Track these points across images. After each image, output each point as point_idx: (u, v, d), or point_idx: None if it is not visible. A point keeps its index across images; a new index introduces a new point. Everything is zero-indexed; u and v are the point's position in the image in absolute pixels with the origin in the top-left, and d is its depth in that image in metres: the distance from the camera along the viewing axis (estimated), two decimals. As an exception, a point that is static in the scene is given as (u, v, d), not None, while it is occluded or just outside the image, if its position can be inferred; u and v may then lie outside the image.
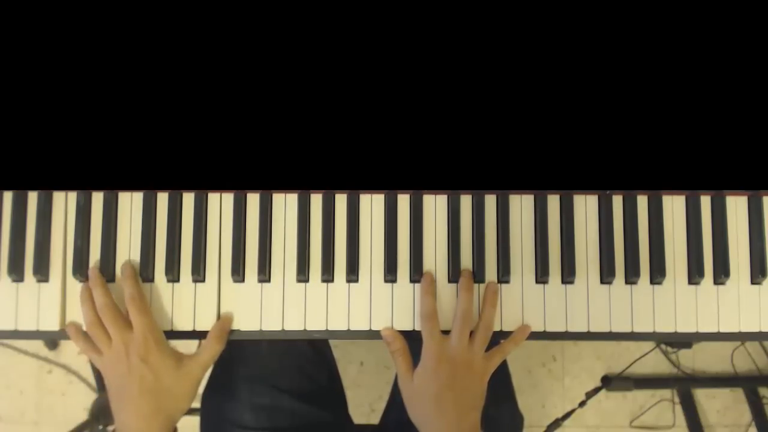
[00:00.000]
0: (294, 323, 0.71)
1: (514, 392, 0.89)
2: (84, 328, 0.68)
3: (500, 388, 0.87)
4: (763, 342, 1.43)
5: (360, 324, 0.71)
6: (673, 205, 0.73)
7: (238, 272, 0.71)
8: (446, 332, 0.69)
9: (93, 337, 0.67)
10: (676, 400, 1.44)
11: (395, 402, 0.88)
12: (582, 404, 1.26)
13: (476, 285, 0.71)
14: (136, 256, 0.71)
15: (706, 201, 0.73)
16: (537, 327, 0.71)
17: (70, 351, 1.43)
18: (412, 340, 0.70)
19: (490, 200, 0.72)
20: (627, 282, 0.72)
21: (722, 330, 0.72)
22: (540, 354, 1.46)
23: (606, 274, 0.71)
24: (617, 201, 0.73)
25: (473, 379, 0.67)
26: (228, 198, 0.72)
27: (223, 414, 0.80)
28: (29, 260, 0.71)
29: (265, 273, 0.71)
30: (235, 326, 0.71)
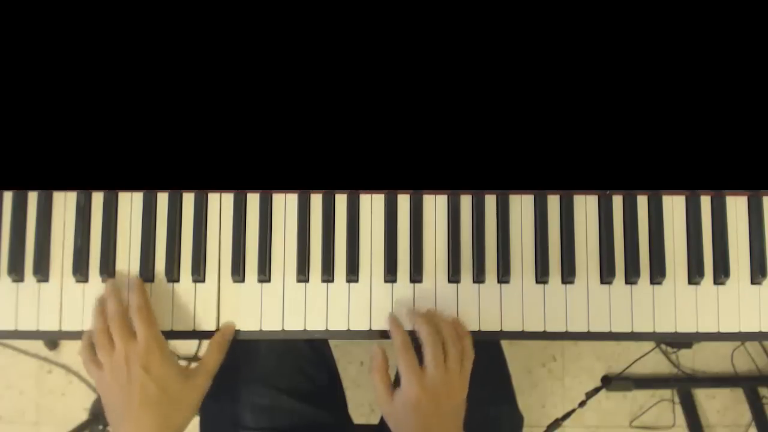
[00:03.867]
0: (294, 323, 0.71)
1: (514, 392, 0.89)
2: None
3: (500, 388, 0.87)
4: (763, 342, 1.43)
5: (360, 324, 0.71)
6: (673, 205, 0.73)
7: (238, 272, 0.71)
8: (446, 332, 0.70)
9: (97, 345, 0.66)
10: (676, 400, 1.44)
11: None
12: (582, 404, 1.26)
13: (478, 285, 0.71)
14: (136, 256, 0.71)
15: (706, 201, 0.73)
16: (537, 327, 0.71)
17: (70, 351, 1.43)
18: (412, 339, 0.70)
19: (490, 200, 0.72)
20: (627, 282, 0.72)
21: (722, 330, 0.72)
22: (540, 354, 1.46)
23: (606, 274, 0.71)
24: (617, 201, 0.73)
25: (456, 399, 0.67)
26: (228, 198, 0.72)
27: (223, 414, 0.80)
28: (29, 260, 0.71)
29: (265, 273, 0.71)
30: (236, 326, 0.71)
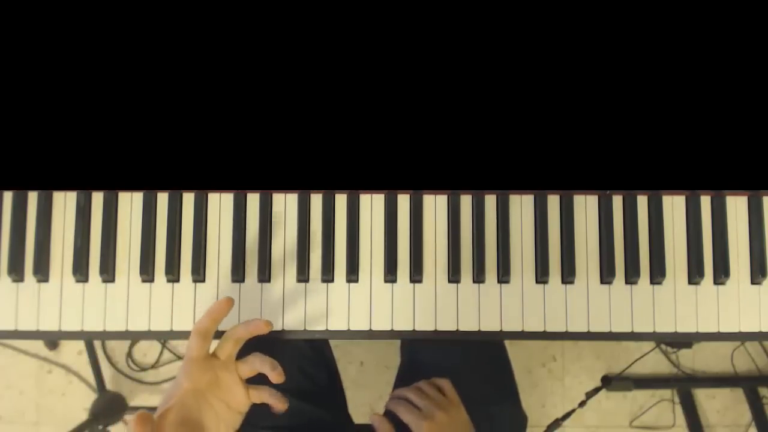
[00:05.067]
0: (294, 323, 0.71)
1: (518, 392, 0.89)
2: None
3: (503, 388, 0.87)
4: (763, 342, 1.43)
5: (360, 324, 0.71)
6: (673, 205, 0.73)
7: (238, 272, 0.71)
8: (446, 332, 0.70)
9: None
10: (676, 400, 1.44)
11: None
12: (582, 404, 1.26)
13: (477, 285, 0.71)
14: (136, 256, 0.71)
15: (706, 201, 0.73)
16: (537, 327, 0.71)
17: (70, 351, 1.43)
18: (412, 340, 0.70)
19: (490, 200, 0.72)
20: (627, 282, 0.72)
21: (722, 330, 0.72)
22: (540, 354, 1.46)
23: (606, 274, 0.71)
24: (617, 201, 0.73)
25: (459, 427, 0.71)
26: (228, 198, 0.72)
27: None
28: (29, 260, 0.71)
29: (264, 273, 0.71)
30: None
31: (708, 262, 0.72)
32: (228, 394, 0.64)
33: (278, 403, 0.67)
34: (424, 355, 0.87)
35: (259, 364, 0.65)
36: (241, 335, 0.65)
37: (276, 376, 0.64)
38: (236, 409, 0.65)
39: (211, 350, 0.65)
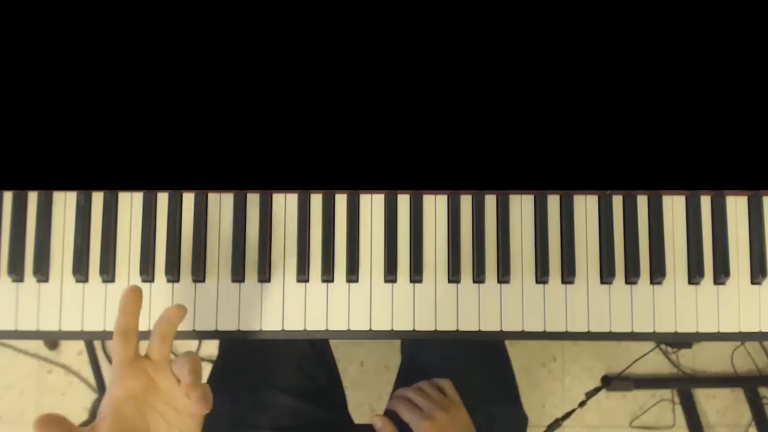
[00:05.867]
0: (294, 323, 0.71)
1: (518, 392, 0.89)
2: None
3: (504, 388, 0.87)
4: (763, 342, 1.43)
5: (360, 324, 0.71)
6: (673, 205, 0.73)
7: (238, 272, 0.71)
8: (446, 332, 0.70)
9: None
10: (676, 400, 1.44)
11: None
12: (582, 404, 1.26)
13: (478, 285, 0.71)
14: (136, 256, 0.71)
15: (706, 201, 0.73)
16: (537, 327, 0.71)
17: (70, 351, 1.43)
18: (413, 340, 0.70)
19: (490, 200, 0.72)
20: (627, 282, 0.72)
21: (722, 330, 0.72)
22: (540, 354, 1.46)
23: (606, 274, 0.71)
24: (617, 201, 0.73)
25: (460, 427, 0.71)
26: (228, 198, 0.72)
27: (223, 413, 0.80)
28: (29, 260, 0.71)
29: (265, 273, 0.71)
30: (235, 326, 0.71)
31: (708, 262, 0.72)
32: (170, 397, 0.58)
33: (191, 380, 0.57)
34: (424, 356, 0.87)
35: (181, 363, 0.57)
36: (164, 330, 0.58)
37: (191, 381, 0.56)
38: (185, 411, 0.58)
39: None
